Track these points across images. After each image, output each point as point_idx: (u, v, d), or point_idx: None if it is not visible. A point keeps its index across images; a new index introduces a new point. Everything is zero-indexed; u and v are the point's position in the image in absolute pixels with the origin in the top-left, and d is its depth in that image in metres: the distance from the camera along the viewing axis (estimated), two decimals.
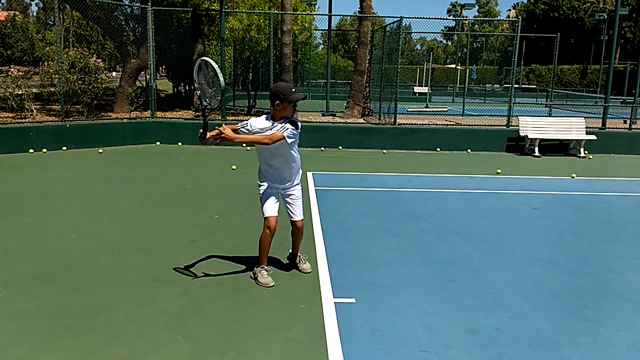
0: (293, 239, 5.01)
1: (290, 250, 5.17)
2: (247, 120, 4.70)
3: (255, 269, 4.80)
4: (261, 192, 4.70)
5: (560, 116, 15.81)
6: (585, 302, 4.49)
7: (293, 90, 4.52)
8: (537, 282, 4.91)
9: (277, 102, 4.42)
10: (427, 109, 22.69)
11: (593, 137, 13.43)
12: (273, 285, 4.62)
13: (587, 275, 5.16)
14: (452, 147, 13.55)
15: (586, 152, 13.49)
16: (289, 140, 4.42)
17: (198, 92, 4.60)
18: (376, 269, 5.11)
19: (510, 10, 76.64)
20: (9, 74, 13.43)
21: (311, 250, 5.55)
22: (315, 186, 8.75)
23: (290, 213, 4.82)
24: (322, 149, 12.93)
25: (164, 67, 22.52)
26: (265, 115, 4.64)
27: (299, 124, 4.52)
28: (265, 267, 4.75)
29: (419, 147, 13.48)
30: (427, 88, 29.25)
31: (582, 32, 57.15)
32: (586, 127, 13.58)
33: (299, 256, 5.10)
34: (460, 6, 44.06)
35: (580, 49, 55.14)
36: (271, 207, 4.64)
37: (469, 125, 14.39)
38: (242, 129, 4.67)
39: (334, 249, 5.63)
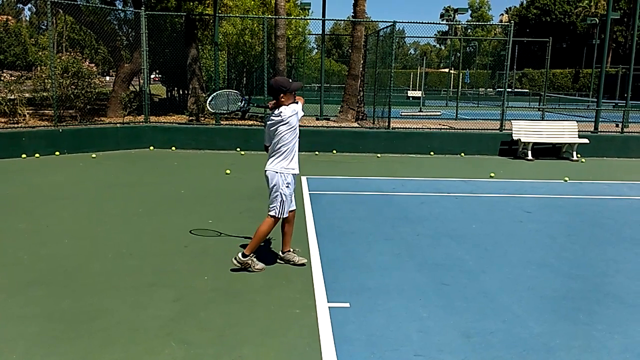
0: (287, 232, 5.23)
1: (282, 249, 5.33)
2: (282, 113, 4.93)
3: (242, 258, 4.95)
4: (290, 190, 4.98)
5: (552, 120, 15.89)
6: (579, 305, 4.51)
7: (291, 81, 4.99)
8: (531, 286, 4.93)
9: (282, 94, 4.86)
10: (421, 113, 22.75)
11: (585, 140, 13.52)
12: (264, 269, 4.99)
13: (580, 278, 5.19)
14: (445, 151, 13.59)
15: (579, 155, 13.57)
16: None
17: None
18: (370, 273, 5.11)
19: (502, 14, 77.13)
20: (1, 78, 13.37)
21: (305, 254, 5.55)
22: (309, 190, 8.76)
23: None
24: (317, 153, 12.95)
25: (157, 71, 22.52)
26: (277, 109, 4.95)
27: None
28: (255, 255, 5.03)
29: (412, 151, 13.51)
30: (420, 92, 29.34)
31: (574, 36, 57.53)
32: (578, 131, 13.68)
33: (292, 250, 5.32)
34: (453, 11, 44.31)
35: (573, 53, 55.49)
36: (292, 204, 5.10)
37: (463, 129, 14.44)
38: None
39: (328, 253, 5.64)
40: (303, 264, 5.23)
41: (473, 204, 8.27)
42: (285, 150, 4.93)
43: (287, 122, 4.85)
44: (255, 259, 5.01)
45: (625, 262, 5.70)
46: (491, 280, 5.05)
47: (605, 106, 20.67)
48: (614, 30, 53.35)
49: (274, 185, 4.94)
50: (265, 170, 5.01)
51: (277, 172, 4.93)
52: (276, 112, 4.90)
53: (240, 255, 4.97)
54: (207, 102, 5.51)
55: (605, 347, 3.81)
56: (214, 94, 5.62)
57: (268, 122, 4.99)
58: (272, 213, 4.98)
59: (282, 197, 4.94)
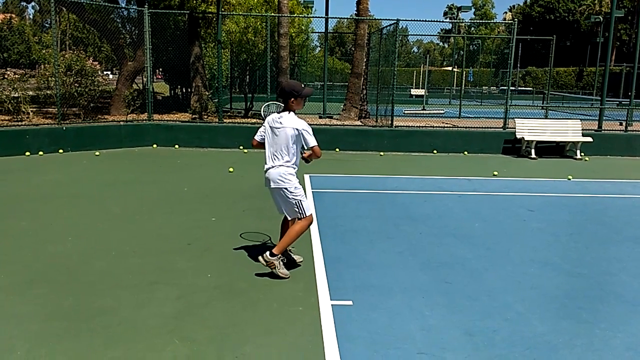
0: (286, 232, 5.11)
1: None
2: (310, 132, 4.82)
3: (270, 257, 4.72)
4: (301, 193, 4.87)
5: (556, 118, 15.86)
6: (582, 304, 4.50)
7: (303, 86, 4.88)
8: (534, 284, 4.92)
9: (292, 99, 4.79)
10: (424, 111, 22.73)
11: (589, 139, 13.48)
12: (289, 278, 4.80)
13: (583, 276, 5.18)
14: (448, 150, 13.57)
15: (582, 154, 13.53)
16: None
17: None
18: (373, 271, 5.11)
19: (506, 12, 76.85)
20: (5, 76, 13.39)
21: (308, 252, 5.55)
22: (312, 188, 8.76)
23: None
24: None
25: (160, 69, 22.52)
26: (290, 113, 4.85)
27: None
28: (282, 258, 4.85)
29: (415, 149, 13.49)
30: (423, 90, 29.29)
31: (578, 34, 57.33)
32: (582, 129, 13.63)
33: (289, 249, 5.24)
34: (456, 9, 44.23)
35: (577, 51, 55.31)
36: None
37: (466, 127, 14.41)
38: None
39: (331, 251, 5.63)
40: (300, 262, 5.19)
41: (476, 203, 8.25)
42: (295, 159, 4.83)
43: (301, 134, 4.74)
44: (281, 263, 4.81)
45: (629, 260, 5.69)
46: (494, 278, 5.05)
47: (609, 105, 20.58)
48: (618, 28, 53.09)
49: (287, 197, 4.82)
50: (275, 187, 4.81)
51: (291, 192, 4.79)
52: (287, 116, 4.76)
53: (268, 253, 4.76)
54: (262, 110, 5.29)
55: (608, 345, 3.80)
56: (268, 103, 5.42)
57: (275, 126, 4.81)
58: (299, 217, 4.84)
59: (298, 199, 4.81)
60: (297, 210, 4.83)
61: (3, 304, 4.22)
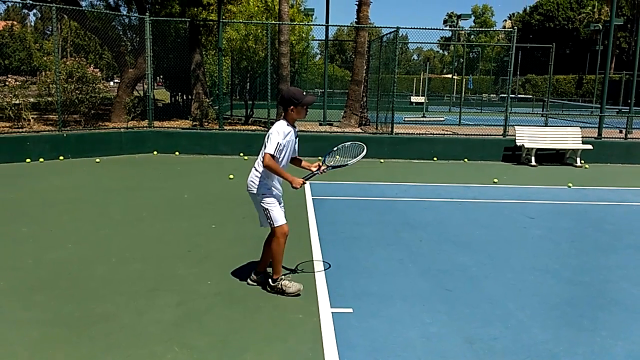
0: (268, 251, 4.82)
1: (257, 269, 4.92)
2: (274, 139, 4.45)
3: (273, 283, 4.62)
4: (269, 202, 4.57)
5: (556, 126, 15.88)
6: (582, 312, 4.49)
7: (304, 93, 4.63)
8: (535, 292, 4.91)
9: (292, 107, 4.53)
10: (424, 119, 22.76)
11: (589, 146, 13.49)
12: (303, 289, 4.62)
13: (584, 284, 5.17)
14: (449, 157, 13.58)
15: (582, 161, 13.54)
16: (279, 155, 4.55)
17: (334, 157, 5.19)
18: (373, 279, 5.11)
19: (506, 20, 77.11)
20: (7, 83, 13.43)
21: (308, 259, 5.55)
22: (312, 195, 8.76)
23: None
24: (320, 158, 12.93)
25: (161, 76, 22.58)
26: (282, 120, 4.60)
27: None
28: (284, 275, 4.70)
29: (415, 156, 13.51)
30: (423, 98, 29.35)
31: (578, 42, 57.47)
32: (582, 137, 13.66)
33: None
34: (456, 17, 44.38)
35: (576, 59, 55.41)
36: (282, 214, 4.62)
37: (466, 134, 14.44)
38: (278, 150, 4.51)
39: (331, 259, 5.63)
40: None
41: (476, 210, 8.26)
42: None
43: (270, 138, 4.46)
44: (286, 282, 4.62)
45: (628, 268, 5.68)
46: (494, 286, 5.04)
47: (609, 112, 20.61)
48: (618, 36, 53.22)
49: (257, 203, 4.66)
50: (248, 191, 4.69)
51: (259, 198, 4.61)
52: (277, 122, 4.60)
53: (270, 281, 4.65)
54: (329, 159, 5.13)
55: (609, 353, 3.79)
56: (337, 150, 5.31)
57: (292, 136, 4.65)
58: (270, 225, 4.61)
59: (264, 207, 4.59)
60: (267, 218, 4.60)
61: (4, 310, 4.22)
